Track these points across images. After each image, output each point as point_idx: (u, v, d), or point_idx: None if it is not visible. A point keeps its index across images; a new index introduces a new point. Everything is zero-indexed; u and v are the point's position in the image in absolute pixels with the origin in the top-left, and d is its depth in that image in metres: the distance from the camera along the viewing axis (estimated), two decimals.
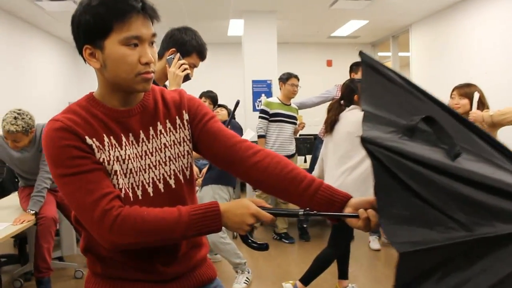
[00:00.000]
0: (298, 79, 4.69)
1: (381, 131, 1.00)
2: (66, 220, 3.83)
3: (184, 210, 1.11)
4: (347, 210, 1.14)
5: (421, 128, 1.00)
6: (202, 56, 2.17)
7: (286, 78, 4.66)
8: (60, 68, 7.92)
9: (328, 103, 3.29)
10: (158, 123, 1.23)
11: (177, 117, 1.26)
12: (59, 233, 4.16)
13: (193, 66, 2.15)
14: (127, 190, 1.16)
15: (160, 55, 2.13)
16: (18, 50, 6.38)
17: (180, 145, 1.25)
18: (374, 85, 1.09)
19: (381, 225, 0.96)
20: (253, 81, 6.45)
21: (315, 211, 1.15)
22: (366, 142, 0.98)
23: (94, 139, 1.12)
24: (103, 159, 1.13)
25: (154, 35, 1.14)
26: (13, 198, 3.76)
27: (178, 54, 2.07)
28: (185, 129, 1.26)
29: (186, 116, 1.27)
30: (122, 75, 1.11)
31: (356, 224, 1.12)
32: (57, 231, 3.90)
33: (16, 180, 3.91)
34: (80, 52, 1.14)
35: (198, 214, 1.10)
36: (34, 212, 3.05)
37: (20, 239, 3.99)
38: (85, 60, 1.14)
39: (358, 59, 1.17)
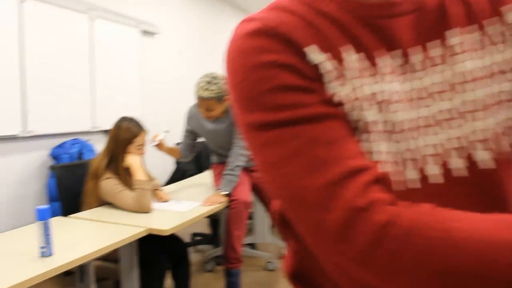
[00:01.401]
0: None
1: None
2: None
3: None
4: None
5: None
6: None
7: None
8: None
9: None
10: (451, 33, 0.54)
11: (493, 20, 0.55)
12: (253, 216, 3.81)
13: None
14: (395, 168, 0.49)
15: None
16: (210, 24, 6.35)
17: (505, 76, 0.53)
18: None
19: None
20: None
21: None
22: None
23: (325, 55, 0.51)
24: (344, 96, 0.50)
25: None
26: (208, 176, 3.48)
27: None
28: None
29: None
30: None
31: None
32: (250, 214, 3.54)
33: None
34: None
35: None
36: (226, 193, 2.64)
37: (213, 219, 3.76)
38: None
39: None
